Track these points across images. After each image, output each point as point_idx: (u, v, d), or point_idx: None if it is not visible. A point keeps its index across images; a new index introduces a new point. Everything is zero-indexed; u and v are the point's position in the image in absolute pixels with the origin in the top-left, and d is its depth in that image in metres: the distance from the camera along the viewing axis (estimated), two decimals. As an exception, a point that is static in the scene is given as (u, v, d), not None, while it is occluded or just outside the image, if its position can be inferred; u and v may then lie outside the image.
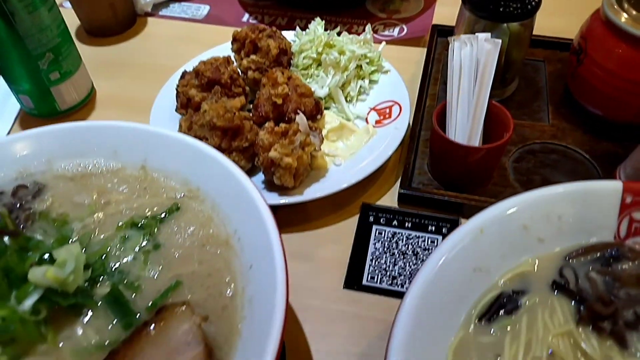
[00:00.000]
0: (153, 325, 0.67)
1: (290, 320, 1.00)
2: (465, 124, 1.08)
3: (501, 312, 0.74)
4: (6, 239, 0.79)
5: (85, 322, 0.75)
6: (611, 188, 0.80)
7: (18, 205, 0.89)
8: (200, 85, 1.23)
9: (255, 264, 0.78)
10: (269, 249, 0.75)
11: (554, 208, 0.80)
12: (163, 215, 0.87)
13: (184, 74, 1.28)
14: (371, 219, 1.14)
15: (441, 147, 1.11)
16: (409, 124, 1.23)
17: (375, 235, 1.11)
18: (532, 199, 0.80)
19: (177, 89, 1.26)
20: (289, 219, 1.15)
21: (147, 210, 0.88)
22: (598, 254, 0.79)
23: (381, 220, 1.13)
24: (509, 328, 0.72)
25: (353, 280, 1.05)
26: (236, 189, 0.85)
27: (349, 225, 1.14)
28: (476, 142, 1.08)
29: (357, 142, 1.20)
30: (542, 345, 0.70)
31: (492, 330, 0.72)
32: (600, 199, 0.80)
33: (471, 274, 0.75)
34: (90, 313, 0.76)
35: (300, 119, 1.07)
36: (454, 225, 1.11)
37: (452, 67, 1.11)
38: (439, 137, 1.08)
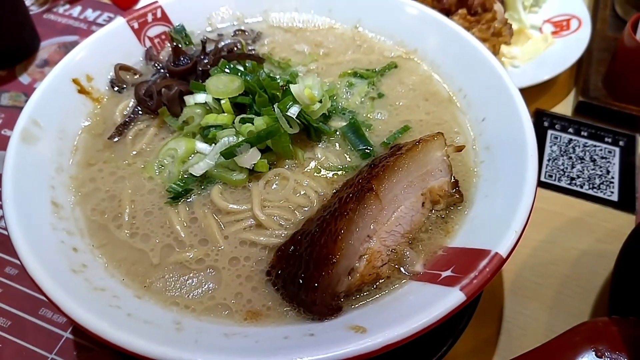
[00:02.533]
0: (411, 147, 0.70)
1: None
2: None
3: None
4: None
5: (324, 147, 0.78)
6: None
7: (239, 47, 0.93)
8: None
9: (488, 117, 0.79)
10: (509, 101, 0.77)
11: None
12: (383, 69, 0.90)
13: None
14: (545, 124, 1.14)
15: (632, 57, 1.09)
16: (590, 37, 1.21)
17: (550, 139, 1.11)
18: None
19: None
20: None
21: (364, 65, 0.91)
22: None
23: (556, 126, 1.13)
24: None
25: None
26: (460, 49, 0.86)
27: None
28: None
29: (535, 49, 1.19)
30: None
31: None
32: None
33: None
34: (329, 142, 0.79)
35: (499, 7, 1.07)
36: (631, 140, 1.10)
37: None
38: (632, 45, 1.06)
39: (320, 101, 0.76)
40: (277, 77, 0.84)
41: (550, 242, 0.96)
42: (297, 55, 0.92)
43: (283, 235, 0.68)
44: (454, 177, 0.72)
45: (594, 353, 0.68)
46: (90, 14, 1.37)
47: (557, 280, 0.91)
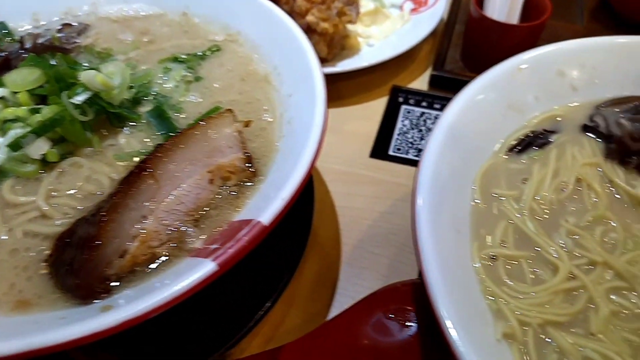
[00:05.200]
0: (194, 126, 0.70)
1: (317, 180, 1.03)
2: (503, 4, 1.08)
3: (531, 146, 0.76)
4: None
5: (128, 133, 0.78)
6: (649, 42, 0.81)
7: (64, 40, 0.92)
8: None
9: (295, 93, 0.80)
10: (309, 77, 0.77)
11: (590, 58, 0.81)
12: (203, 53, 0.90)
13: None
14: (400, 99, 1.15)
15: (479, 29, 1.11)
16: (445, 11, 1.23)
17: (403, 114, 1.13)
18: (571, 46, 0.81)
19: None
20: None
21: (188, 50, 0.91)
22: (630, 105, 0.80)
23: (410, 101, 1.15)
24: (538, 158, 0.74)
25: (379, 150, 1.07)
26: (277, 30, 0.86)
27: (378, 105, 1.16)
28: (514, 22, 1.09)
29: (391, 27, 1.21)
30: (570, 172, 0.72)
31: (522, 159, 0.74)
32: (636, 53, 0.81)
33: (505, 110, 0.77)
34: (133, 127, 0.79)
35: (341, -13, 1.08)
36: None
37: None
38: (477, 17, 1.08)
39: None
40: (86, 65, 0.83)
41: (391, 212, 0.97)
42: (120, 44, 0.92)
43: (67, 224, 0.67)
44: (247, 152, 0.72)
45: (384, 315, 0.69)
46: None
47: (394, 250, 0.92)
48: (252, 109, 0.81)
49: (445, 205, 0.65)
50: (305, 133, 0.70)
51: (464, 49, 1.20)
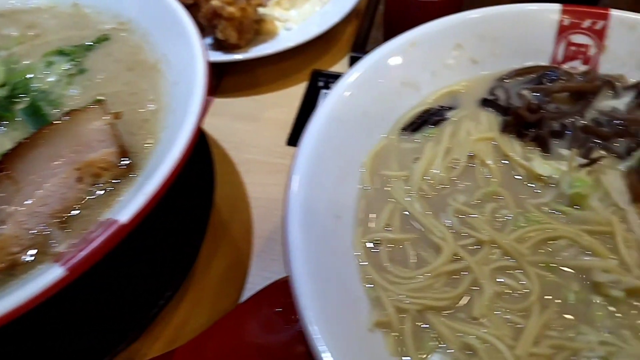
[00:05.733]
0: (56, 121, 0.65)
1: (231, 172, 0.99)
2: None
3: (427, 123, 0.72)
4: None
5: (3, 133, 0.73)
6: (549, 10, 0.78)
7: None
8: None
9: (180, 80, 0.76)
10: (193, 64, 0.73)
11: (489, 29, 0.78)
12: (91, 44, 0.85)
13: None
14: (320, 84, 1.11)
15: (398, 6, 1.07)
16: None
17: (322, 97, 1.08)
18: (468, 18, 0.77)
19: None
20: (238, 83, 1.13)
21: (76, 41, 0.86)
22: (532, 76, 0.77)
23: (330, 85, 1.10)
24: (432, 136, 0.71)
25: (297, 137, 1.02)
26: (167, 16, 0.82)
27: (298, 91, 1.11)
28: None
29: (310, 9, 1.17)
30: (463, 149, 0.69)
31: (416, 138, 0.71)
32: (537, 21, 0.78)
33: (399, 87, 0.74)
34: (8, 125, 0.74)
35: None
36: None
37: None
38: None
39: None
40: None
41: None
42: (2, 39, 0.86)
43: None
44: (121, 146, 0.68)
45: (271, 310, 0.66)
46: None
47: (306, 240, 0.89)
48: (136, 100, 0.76)
49: (324, 190, 0.61)
50: (180, 126, 0.66)
51: (385, 29, 1.17)
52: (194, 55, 0.74)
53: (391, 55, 0.72)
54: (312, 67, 1.16)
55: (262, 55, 1.06)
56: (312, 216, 0.57)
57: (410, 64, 0.73)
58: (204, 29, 1.09)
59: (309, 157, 0.61)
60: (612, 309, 0.56)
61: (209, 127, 1.03)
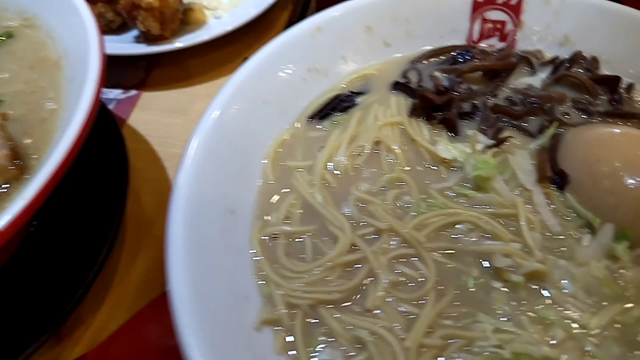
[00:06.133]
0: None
1: (157, 168, 0.96)
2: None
3: (336, 110, 0.70)
4: None
5: None
6: (462, -14, 0.76)
7: None
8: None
9: (76, 75, 0.72)
10: (87, 58, 0.70)
11: (401, 9, 0.75)
12: (-7, 42, 0.81)
13: None
14: (253, 72, 1.08)
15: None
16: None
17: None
18: (376, -1, 0.75)
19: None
20: (167, 76, 1.09)
21: (-23, 41, 0.82)
22: (446, 56, 0.75)
23: (264, 73, 1.07)
24: (340, 123, 0.69)
25: (228, 129, 1.00)
26: (68, 10, 0.78)
27: (231, 81, 1.08)
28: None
29: (241, -4, 1.13)
30: (369, 135, 0.66)
31: (323, 126, 0.69)
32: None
33: (306, 74, 0.71)
34: None
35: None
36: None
37: None
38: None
39: None
40: None
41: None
42: None
43: None
44: (12, 148, 0.65)
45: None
46: None
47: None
48: (36, 99, 0.73)
49: (217, 185, 0.59)
50: (69, 122, 0.63)
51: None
52: (89, 48, 0.71)
53: (295, 41, 0.69)
54: (245, 55, 1.12)
55: (188, 46, 1.03)
56: (201, 214, 0.54)
57: (317, 48, 0.71)
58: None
59: (199, 153, 0.58)
60: (512, 294, 0.54)
61: (135, 122, 1.00)
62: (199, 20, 1.09)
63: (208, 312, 0.48)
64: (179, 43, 1.03)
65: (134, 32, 1.08)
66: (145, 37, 1.04)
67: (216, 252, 0.54)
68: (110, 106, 1.05)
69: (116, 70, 1.07)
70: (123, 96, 1.07)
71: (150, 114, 1.03)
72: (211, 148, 0.59)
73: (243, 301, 0.53)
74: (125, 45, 1.06)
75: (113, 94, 1.08)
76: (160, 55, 1.07)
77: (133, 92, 1.07)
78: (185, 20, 1.07)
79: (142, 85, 1.07)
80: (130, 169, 0.83)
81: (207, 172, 0.58)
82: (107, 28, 1.07)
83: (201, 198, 0.55)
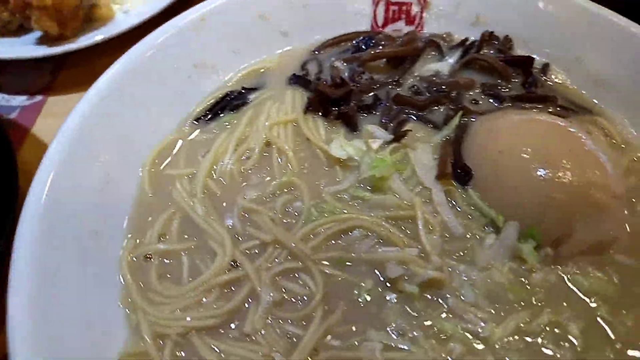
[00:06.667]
0: None
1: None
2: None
3: (225, 110, 0.64)
4: None
5: None
6: (362, -33, 0.70)
7: None
8: None
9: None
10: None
11: (297, -5, 0.69)
12: None
13: None
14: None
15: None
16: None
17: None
18: (268, -16, 0.68)
19: None
20: (75, 78, 1.01)
21: None
22: (349, 44, 0.69)
23: (180, 70, 1.00)
24: (228, 124, 0.62)
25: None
26: None
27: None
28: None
29: (152, -12, 1.05)
30: (259, 136, 0.60)
31: (212, 128, 0.62)
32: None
33: (191, 70, 0.65)
34: None
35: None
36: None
37: None
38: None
39: None
40: None
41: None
42: None
43: None
44: None
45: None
46: None
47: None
48: None
49: (77, 203, 0.52)
50: None
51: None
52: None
53: (176, 35, 0.62)
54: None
55: (93, 44, 0.95)
56: (52, 240, 0.48)
57: (204, 42, 0.64)
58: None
59: (56, 167, 0.52)
60: (406, 306, 0.49)
61: (40, 129, 0.93)
62: (106, 17, 1.01)
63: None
64: (83, 42, 0.95)
65: (38, 34, 1.00)
66: (48, 38, 0.96)
67: (71, 284, 0.47)
68: (14, 114, 0.98)
69: (19, 75, 1.00)
70: (28, 102, 0.99)
71: (56, 120, 0.95)
72: (71, 161, 0.52)
73: (102, 336, 0.47)
74: (24, 47, 0.98)
75: (17, 100, 1.00)
76: (67, 57, 0.99)
77: (39, 98, 0.99)
78: (91, 17, 0.99)
79: (48, 89, 0.99)
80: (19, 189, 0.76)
81: (65, 189, 0.51)
82: (4, 30, 0.99)
83: (55, 221, 0.49)
